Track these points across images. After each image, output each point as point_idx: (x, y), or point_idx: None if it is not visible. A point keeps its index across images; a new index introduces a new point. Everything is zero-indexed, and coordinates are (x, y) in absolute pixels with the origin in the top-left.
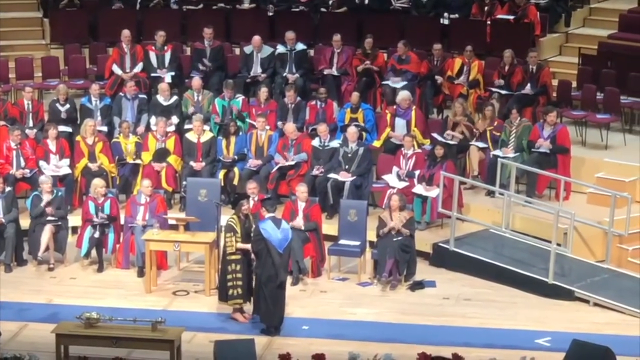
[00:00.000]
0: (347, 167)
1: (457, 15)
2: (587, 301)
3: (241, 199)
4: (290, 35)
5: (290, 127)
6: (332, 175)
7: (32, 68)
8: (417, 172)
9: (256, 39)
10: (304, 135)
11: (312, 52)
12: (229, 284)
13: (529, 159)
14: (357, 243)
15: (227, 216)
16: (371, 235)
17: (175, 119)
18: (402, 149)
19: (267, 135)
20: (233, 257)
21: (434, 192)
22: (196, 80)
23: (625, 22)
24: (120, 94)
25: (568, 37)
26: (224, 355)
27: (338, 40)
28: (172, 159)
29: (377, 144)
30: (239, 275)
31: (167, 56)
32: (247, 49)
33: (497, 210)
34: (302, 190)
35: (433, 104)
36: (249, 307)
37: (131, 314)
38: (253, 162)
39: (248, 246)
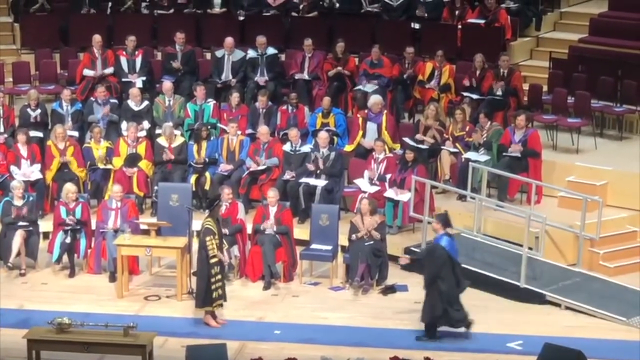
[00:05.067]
0: (317, 171)
1: (426, 15)
2: (558, 305)
3: (216, 200)
4: (261, 39)
5: (263, 129)
6: (304, 180)
7: (3, 73)
8: (388, 176)
9: (228, 40)
10: (275, 140)
11: (283, 57)
12: (212, 287)
13: (500, 163)
14: (329, 247)
15: (198, 221)
16: (343, 240)
17: (146, 124)
18: (374, 153)
19: (238, 140)
20: (214, 260)
21: (405, 196)
22: (167, 84)
23: (596, 26)
24: (92, 98)
25: (539, 41)
26: None
27: (309, 44)
28: (144, 164)
29: (348, 148)
30: (219, 277)
31: (138, 61)
32: (219, 53)
33: (469, 214)
34: (272, 195)
35: (404, 108)
36: (221, 310)
37: (103, 319)
38: (224, 167)
39: (225, 257)
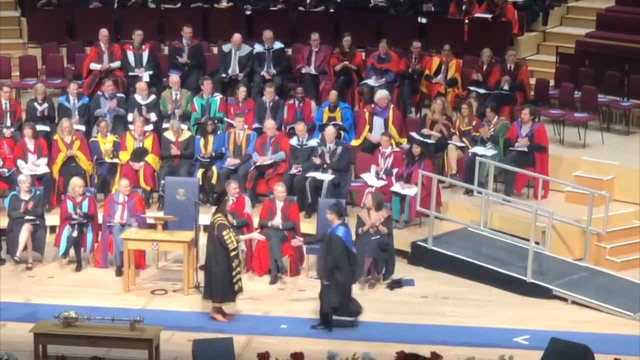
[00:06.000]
0: (324, 165)
1: (433, 9)
2: (565, 299)
3: (223, 196)
4: (268, 34)
5: (270, 123)
6: (310, 174)
7: (10, 67)
8: (395, 171)
9: (236, 37)
10: (282, 134)
11: (290, 51)
12: (234, 279)
13: (507, 158)
14: None
15: (205, 215)
16: None
17: (153, 117)
18: (380, 147)
19: (245, 135)
20: (234, 252)
21: (412, 191)
22: (174, 77)
23: (603, 21)
24: (98, 92)
25: (546, 35)
26: (202, 354)
27: (316, 39)
28: (150, 158)
29: (355, 142)
30: (239, 269)
31: (145, 55)
32: (226, 48)
33: (476, 209)
34: (279, 190)
35: (411, 103)
36: (229, 306)
37: (109, 313)
38: (231, 161)
39: (250, 235)
